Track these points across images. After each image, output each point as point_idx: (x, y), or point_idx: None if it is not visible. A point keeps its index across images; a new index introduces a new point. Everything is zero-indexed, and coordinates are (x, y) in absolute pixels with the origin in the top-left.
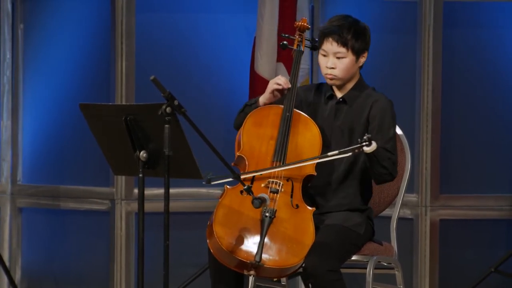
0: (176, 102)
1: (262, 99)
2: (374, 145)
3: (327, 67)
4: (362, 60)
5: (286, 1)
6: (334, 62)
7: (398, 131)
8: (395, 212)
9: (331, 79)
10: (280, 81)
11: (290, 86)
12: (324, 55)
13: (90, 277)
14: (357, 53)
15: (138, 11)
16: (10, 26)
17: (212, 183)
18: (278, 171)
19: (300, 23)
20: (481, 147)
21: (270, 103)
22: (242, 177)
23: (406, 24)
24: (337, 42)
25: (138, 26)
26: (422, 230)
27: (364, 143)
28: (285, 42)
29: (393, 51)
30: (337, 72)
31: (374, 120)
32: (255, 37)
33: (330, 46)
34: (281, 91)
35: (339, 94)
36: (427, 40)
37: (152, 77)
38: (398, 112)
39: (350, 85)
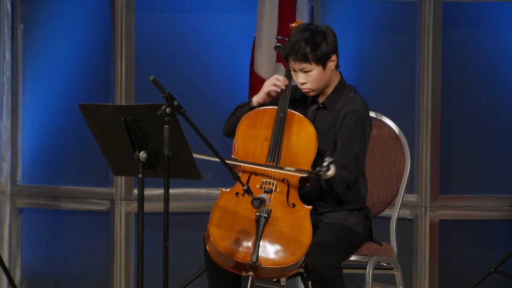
0: (175, 103)
1: (256, 99)
2: (332, 170)
3: (299, 83)
4: (332, 64)
5: (286, 1)
6: (303, 77)
7: (399, 133)
8: (394, 213)
9: (307, 92)
10: (278, 82)
11: (287, 83)
12: (294, 71)
13: (89, 277)
14: (322, 62)
15: (137, 12)
16: (10, 26)
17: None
18: (271, 171)
19: (294, 24)
20: (481, 147)
21: (264, 103)
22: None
23: (405, 24)
24: (297, 59)
25: (138, 27)
26: (422, 230)
27: (321, 172)
28: (278, 44)
29: (393, 51)
30: (309, 86)
31: (344, 133)
32: (254, 38)
33: (293, 63)
34: (277, 91)
35: (320, 100)
36: (426, 40)
37: (151, 78)
38: (398, 112)
39: (330, 89)
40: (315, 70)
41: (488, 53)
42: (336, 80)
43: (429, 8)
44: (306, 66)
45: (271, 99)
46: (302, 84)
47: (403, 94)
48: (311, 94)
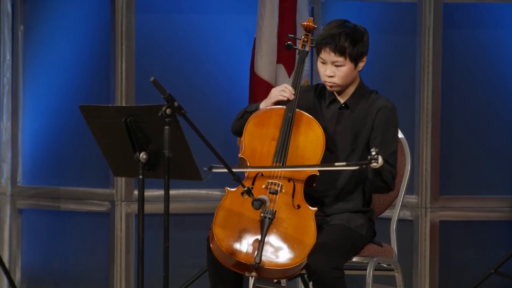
0: (176, 104)
1: (263, 106)
2: (381, 160)
3: (326, 75)
4: (361, 64)
5: (286, 2)
6: (333, 70)
7: (399, 133)
8: (395, 214)
9: (330, 86)
10: (285, 93)
11: (293, 97)
12: (323, 63)
13: (90, 278)
14: (356, 60)
15: (138, 12)
16: (10, 27)
17: (213, 170)
18: (278, 171)
19: (307, 23)
20: (481, 148)
21: None
22: (239, 170)
23: (406, 25)
24: (334, 51)
25: (138, 27)
26: (422, 231)
27: (373, 161)
28: (289, 42)
29: (393, 52)
30: (336, 80)
31: (378, 129)
32: (255, 39)
33: (327, 55)
34: (284, 100)
35: (341, 99)
36: (427, 41)
37: (152, 79)
38: (398, 113)
39: (351, 90)
40: (347, 66)
41: (488, 54)
42: (357, 81)
43: (429, 9)
44: (340, 60)
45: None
46: (330, 77)
47: (403, 94)
48: (334, 89)
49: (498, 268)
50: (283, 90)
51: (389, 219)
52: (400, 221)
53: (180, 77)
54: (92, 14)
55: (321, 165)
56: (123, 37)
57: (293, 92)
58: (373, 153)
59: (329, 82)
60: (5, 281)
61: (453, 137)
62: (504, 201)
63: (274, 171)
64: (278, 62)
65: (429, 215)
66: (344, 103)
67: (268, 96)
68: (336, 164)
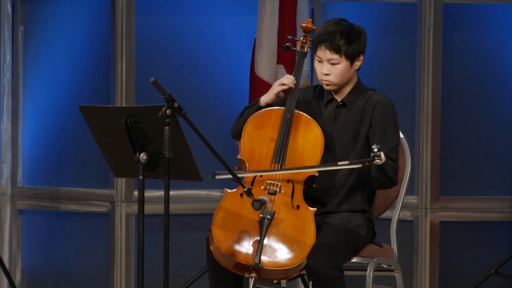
0: (176, 104)
1: (264, 99)
2: (383, 157)
3: (322, 73)
4: (358, 63)
5: (286, 2)
6: (329, 68)
7: (400, 134)
8: (395, 214)
9: (327, 84)
10: (285, 80)
11: (295, 83)
12: (319, 61)
13: (90, 279)
14: (351, 58)
15: (138, 13)
16: (10, 28)
17: (217, 177)
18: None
19: (305, 24)
20: (481, 149)
21: (272, 103)
22: (240, 175)
23: (406, 26)
24: (330, 49)
25: (138, 28)
26: (422, 232)
27: (376, 158)
28: (288, 44)
29: (393, 53)
30: (332, 78)
31: (376, 125)
32: (255, 39)
33: (323, 53)
34: (286, 91)
35: (338, 98)
36: (427, 41)
37: (152, 79)
38: (398, 114)
39: (348, 88)
40: (343, 64)
41: (488, 54)
42: (354, 80)
43: (429, 9)
44: (335, 58)
45: (280, 99)
46: (325, 75)
47: (403, 95)
48: (330, 87)
49: (498, 269)
50: (282, 82)
51: (389, 220)
52: (400, 221)
53: (180, 78)
54: (92, 14)
55: (324, 165)
56: (123, 37)
57: (294, 81)
58: (375, 150)
59: (325, 80)
60: (5, 281)
61: (453, 138)
62: (504, 202)
63: (272, 173)
64: (278, 62)
65: (429, 215)
66: (341, 101)
67: (270, 89)
68: (339, 163)
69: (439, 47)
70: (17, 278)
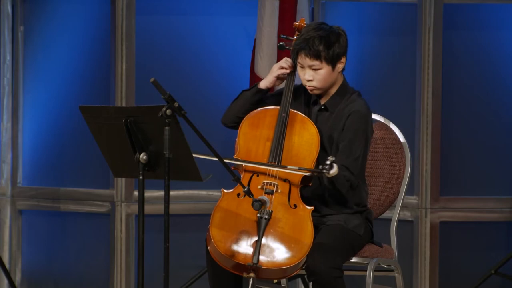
0: (176, 104)
1: (264, 82)
2: (335, 170)
3: (305, 79)
4: (341, 65)
5: (286, 3)
6: (311, 74)
7: (399, 135)
8: (395, 214)
9: (311, 90)
10: (284, 63)
11: (292, 68)
12: (301, 67)
13: (90, 279)
14: (333, 62)
15: (138, 14)
16: (10, 28)
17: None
18: (273, 171)
19: (298, 23)
20: (481, 149)
21: (272, 87)
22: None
23: (406, 26)
24: (309, 55)
25: (138, 29)
26: (422, 232)
27: (325, 170)
28: (281, 43)
29: (393, 53)
30: (315, 83)
31: (346, 133)
32: (255, 39)
33: (303, 60)
34: (284, 75)
35: (322, 101)
36: (427, 42)
37: (152, 79)
38: (399, 114)
39: (333, 90)
40: (324, 69)
41: (489, 55)
42: (339, 82)
43: (430, 10)
44: (316, 63)
45: (280, 82)
46: (308, 81)
47: (403, 96)
48: (315, 92)
49: (498, 269)
50: (282, 65)
51: (389, 220)
52: (400, 221)
53: (180, 78)
54: (92, 15)
55: (272, 164)
56: (123, 38)
57: (292, 64)
58: (327, 162)
59: (309, 86)
60: (5, 282)
61: (453, 138)
62: (504, 202)
63: (270, 170)
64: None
65: (429, 215)
66: (324, 105)
67: (269, 73)
68: (289, 167)
69: (439, 47)
70: (17, 278)
